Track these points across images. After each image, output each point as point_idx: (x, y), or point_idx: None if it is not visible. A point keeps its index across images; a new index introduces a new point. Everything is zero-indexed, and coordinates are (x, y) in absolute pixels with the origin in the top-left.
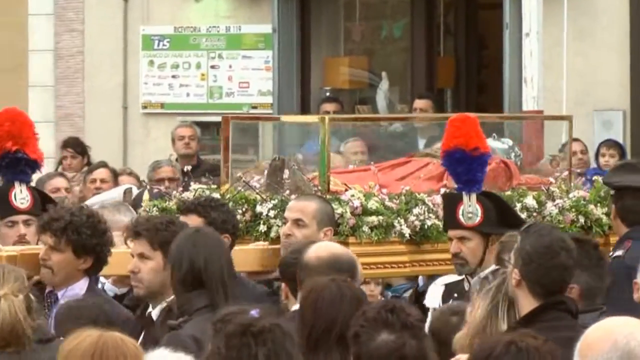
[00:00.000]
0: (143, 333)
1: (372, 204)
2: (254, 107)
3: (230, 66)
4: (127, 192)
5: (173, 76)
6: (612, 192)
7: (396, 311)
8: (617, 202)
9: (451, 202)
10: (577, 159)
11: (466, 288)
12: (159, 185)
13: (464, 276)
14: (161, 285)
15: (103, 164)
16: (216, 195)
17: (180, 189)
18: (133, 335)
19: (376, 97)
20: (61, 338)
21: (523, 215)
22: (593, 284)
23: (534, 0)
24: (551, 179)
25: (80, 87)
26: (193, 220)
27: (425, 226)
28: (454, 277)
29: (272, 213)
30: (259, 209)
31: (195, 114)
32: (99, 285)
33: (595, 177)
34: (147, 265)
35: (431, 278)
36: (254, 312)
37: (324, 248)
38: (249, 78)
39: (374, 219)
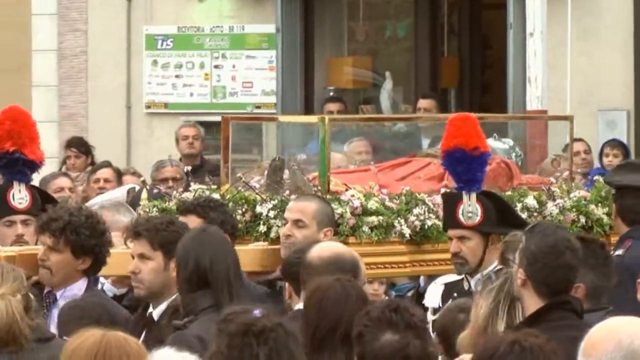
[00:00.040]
0: (144, 333)
1: (372, 204)
2: (258, 107)
3: (233, 66)
4: (131, 191)
5: (176, 76)
6: (613, 191)
7: (400, 311)
8: (618, 201)
9: (451, 202)
10: (580, 158)
11: (466, 287)
12: (163, 184)
13: (463, 275)
14: (162, 285)
15: (107, 164)
16: (216, 195)
17: (181, 189)
18: (134, 335)
19: (380, 97)
20: (63, 337)
21: (524, 215)
22: (599, 283)
23: (537, 0)
24: (552, 179)
25: (83, 87)
26: (192, 221)
27: (426, 226)
28: (453, 277)
29: (272, 213)
30: (258, 209)
31: (198, 113)
32: (99, 286)
33: (596, 177)
34: (148, 265)
35: (431, 278)
36: (257, 312)
37: (327, 248)
38: (253, 78)
39: (374, 219)
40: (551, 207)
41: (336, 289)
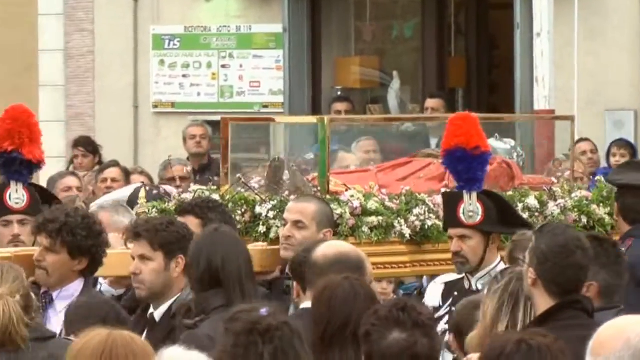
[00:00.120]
0: (145, 334)
1: (372, 205)
2: (265, 107)
3: (241, 66)
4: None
5: (184, 75)
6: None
7: (407, 310)
8: (619, 200)
9: (452, 201)
10: (587, 158)
11: (466, 286)
12: (171, 184)
13: (463, 274)
14: (163, 286)
15: (114, 163)
16: (216, 196)
17: (180, 189)
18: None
19: (387, 97)
20: (70, 336)
21: (525, 216)
22: (611, 282)
23: (544, 0)
24: (553, 179)
25: (90, 87)
26: (190, 221)
27: (426, 226)
28: (453, 276)
29: (271, 214)
30: (258, 209)
31: (206, 113)
32: (98, 287)
33: (597, 177)
34: (148, 266)
35: (433, 278)
36: (263, 311)
37: (332, 247)
38: (260, 77)
39: (373, 220)
40: (552, 207)
41: (345, 288)
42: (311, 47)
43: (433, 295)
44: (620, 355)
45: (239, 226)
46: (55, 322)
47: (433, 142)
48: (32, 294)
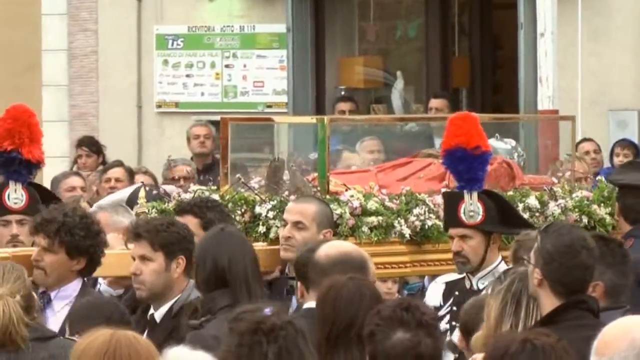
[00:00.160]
0: (145, 335)
1: (372, 205)
2: (269, 107)
3: (244, 65)
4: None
5: (187, 75)
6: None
7: (411, 309)
8: (620, 200)
9: (452, 201)
10: (590, 158)
11: (467, 286)
12: (174, 183)
13: (464, 274)
14: (163, 286)
15: (118, 163)
16: (215, 196)
17: (180, 190)
18: None
19: (391, 97)
20: (74, 336)
21: (525, 215)
22: (617, 282)
23: (548, 0)
24: (554, 179)
25: (94, 87)
26: (189, 221)
27: (426, 226)
28: (454, 275)
29: (271, 214)
30: (258, 210)
31: (209, 113)
32: (97, 287)
33: (599, 177)
34: (149, 267)
35: (433, 278)
36: (267, 310)
37: (335, 246)
38: (264, 77)
39: (373, 220)
40: (553, 207)
41: (349, 288)
42: (315, 47)
43: (434, 295)
44: (624, 355)
45: (238, 226)
46: (53, 322)
47: (437, 142)
48: (34, 294)
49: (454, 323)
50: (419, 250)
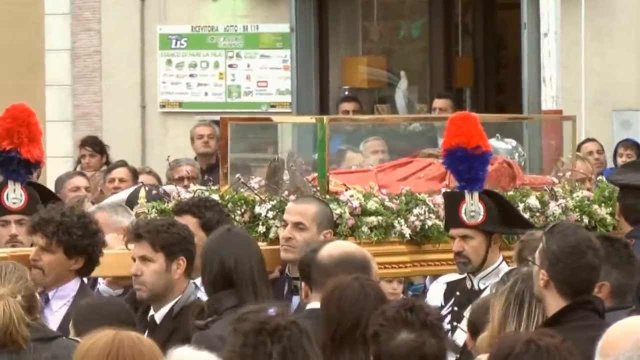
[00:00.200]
0: (145, 336)
1: (372, 204)
2: (273, 107)
3: (248, 65)
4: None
5: (191, 75)
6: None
7: (415, 310)
8: (621, 200)
9: (453, 201)
10: (593, 158)
11: (468, 286)
12: (178, 183)
13: (465, 274)
14: (164, 287)
15: (122, 163)
16: (215, 196)
17: (179, 189)
18: None
19: (395, 97)
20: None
21: (526, 215)
22: (624, 282)
23: (551, 0)
24: (554, 179)
25: (97, 87)
26: (188, 221)
27: (426, 226)
28: (455, 276)
29: (270, 214)
30: (257, 209)
31: (213, 112)
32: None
33: (599, 177)
34: (150, 267)
35: (435, 278)
36: (272, 311)
37: (337, 247)
38: (267, 77)
39: (373, 219)
40: (553, 207)
41: (354, 288)
42: (318, 47)
43: (435, 295)
44: (629, 356)
45: (238, 226)
46: (51, 321)
47: (441, 142)
48: (37, 295)
49: (455, 323)
50: (419, 250)
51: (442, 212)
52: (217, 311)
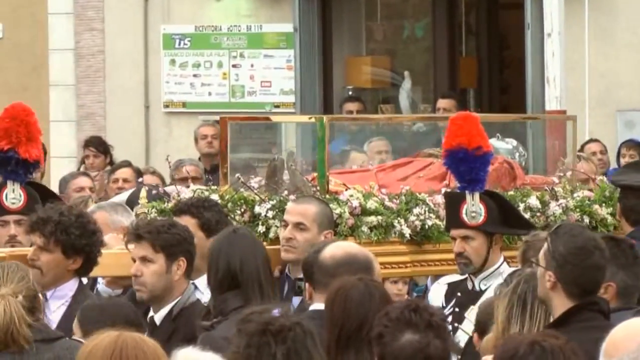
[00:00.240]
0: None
1: (371, 204)
2: (277, 107)
3: (252, 65)
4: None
5: (194, 75)
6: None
7: (419, 311)
8: (621, 201)
9: (454, 202)
10: (596, 159)
11: (469, 287)
12: (182, 184)
13: (466, 275)
14: (164, 288)
15: (126, 164)
16: (215, 196)
17: (179, 189)
18: None
19: (399, 97)
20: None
21: (526, 215)
22: (629, 282)
23: (555, 0)
24: (554, 179)
25: (101, 86)
26: (186, 222)
27: (426, 226)
28: (457, 276)
29: (270, 214)
30: (257, 209)
31: (217, 113)
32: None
33: (600, 177)
34: (150, 268)
35: (436, 279)
36: (276, 311)
37: (340, 247)
38: (271, 77)
39: (373, 219)
40: (554, 207)
41: (359, 289)
42: (322, 47)
43: (436, 296)
44: (634, 357)
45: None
46: (49, 321)
47: None
48: (40, 296)
49: (456, 324)
50: (419, 250)
51: (442, 212)
52: (223, 312)
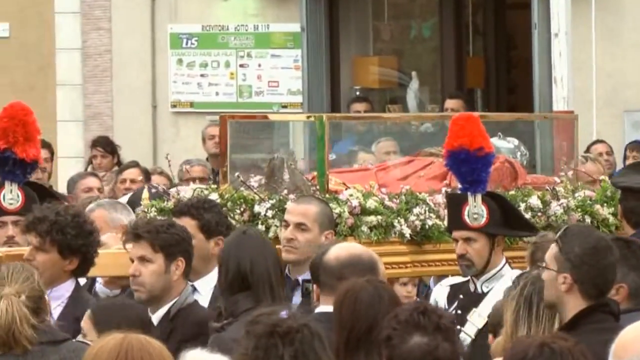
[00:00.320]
0: None
1: (371, 204)
2: (284, 107)
3: (259, 65)
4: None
5: (202, 75)
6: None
7: (428, 313)
8: (622, 202)
9: (456, 203)
10: (602, 160)
11: (471, 289)
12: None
13: (469, 277)
14: (162, 289)
15: (134, 164)
16: (215, 195)
17: (179, 189)
18: None
19: (406, 97)
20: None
21: (527, 215)
22: None
23: (562, 0)
24: (556, 179)
25: (108, 86)
26: (186, 223)
27: (426, 226)
28: (459, 278)
29: (270, 213)
30: (257, 208)
31: (225, 113)
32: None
33: (601, 177)
34: (149, 268)
35: (438, 280)
36: (284, 313)
37: (344, 249)
38: (278, 77)
39: (373, 219)
40: (555, 207)
41: (368, 291)
42: (329, 47)
43: (438, 298)
44: None
45: (237, 225)
46: None
47: None
48: (46, 297)
49: (458, 327)
50: (419, 250)
51: (442, 212)
52: (234, 314)
